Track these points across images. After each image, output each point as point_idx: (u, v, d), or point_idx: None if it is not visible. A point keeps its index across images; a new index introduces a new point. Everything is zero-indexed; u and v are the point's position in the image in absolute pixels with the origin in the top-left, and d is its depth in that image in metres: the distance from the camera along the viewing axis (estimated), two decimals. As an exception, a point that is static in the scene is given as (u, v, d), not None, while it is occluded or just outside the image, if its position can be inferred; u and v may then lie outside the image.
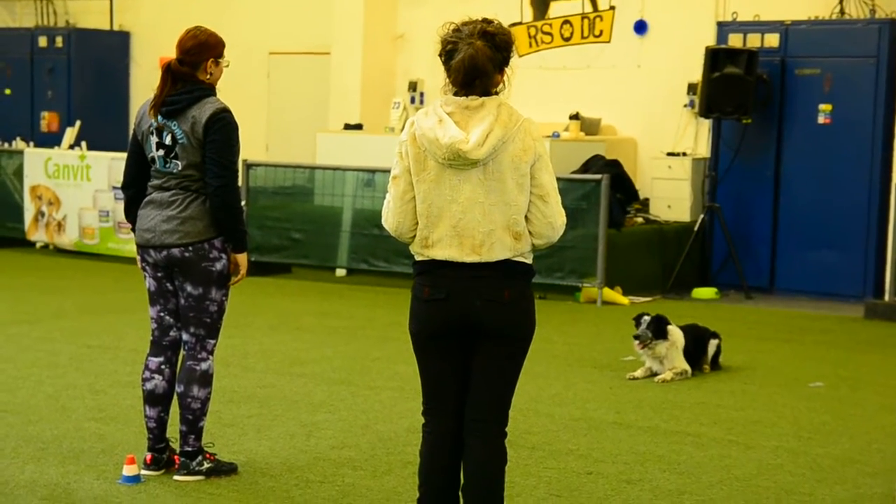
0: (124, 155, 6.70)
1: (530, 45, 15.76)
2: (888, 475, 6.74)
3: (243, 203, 14.08)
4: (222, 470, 6.57)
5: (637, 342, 9.15)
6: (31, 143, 17.41)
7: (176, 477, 6.49)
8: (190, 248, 6.33)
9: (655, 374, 9.21)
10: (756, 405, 8.49)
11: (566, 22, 15.57)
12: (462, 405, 5.06)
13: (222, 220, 6.35)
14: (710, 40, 14.06)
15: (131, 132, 6.61)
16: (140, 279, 6.68)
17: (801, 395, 8.81)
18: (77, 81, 19.08)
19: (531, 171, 4.91)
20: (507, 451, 5.12)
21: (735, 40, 13.86)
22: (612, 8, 15.25)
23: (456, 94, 4.94)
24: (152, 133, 6.37)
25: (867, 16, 13.57)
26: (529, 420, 7.80)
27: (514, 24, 15.64)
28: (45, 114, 19.19)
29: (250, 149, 16.52)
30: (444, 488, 5.11)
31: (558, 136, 14.26)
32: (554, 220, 4.96)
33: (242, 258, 6.48)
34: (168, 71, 6.31)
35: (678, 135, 14.72)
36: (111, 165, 15.06)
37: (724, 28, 14.06)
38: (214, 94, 6.39)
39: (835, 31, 13.51)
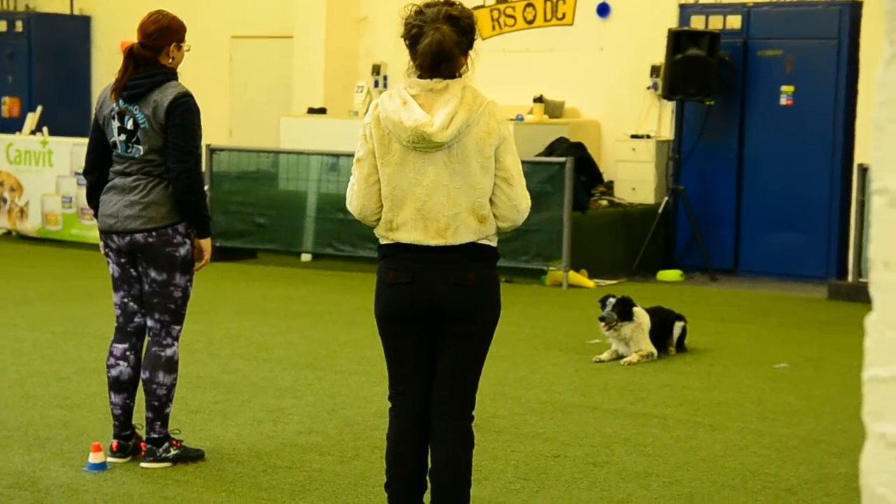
0: (87, 140, 6.67)
1: (493, 28, 15.74)
2: (853, 455, 6.79)
3: (207, 188, 14.06)
4: (189, 456, 6.55)
5: (603, 324, 9.18)
6: (-8, 129, 17.27)
7: (143, 464, 6.48)
8: (153, 234, 6.32)
9: (621, 357, 9.24)
10: (721, 386, 8.53)
11: (529, 5, 15.55)
12: (429, 389, 5.06)
13: (185, 205, 6.34)
14: (673, 22, 14.08)
15: (93, 117, 6.58)
16: (104, 265, 6.65)
17: (766, 376, 8.86)
18: (38, 66, 18.93)
19: (496, 154, 4.92)
20: (475, 434, 5.13)
21: (697, 22, 13.89)
22: (576, -10, 15.24)
23: (420, 76, 4.94)
24: (114, 118, 6.33)
25: (829, -3, 13.63)
26: (496, 403, 7.81)
27: (477, 7, 15.60)
28: (6, 99, 19.03)
29: (213, 133, 16.46)
30: (412, 472, 5.11)
31: (522, 119, 14.26)
32: (518, 203, 4.97)
33: (206, 243, 6.47)
34: (130, 55, 6.28)
35: (642, 117, 14.74)
36: (73, 151, 14.96)
37: (686, 10, 14.08)
38: (176, 79, 6.37)
39: (796, 12, 13.56)
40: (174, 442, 6.55)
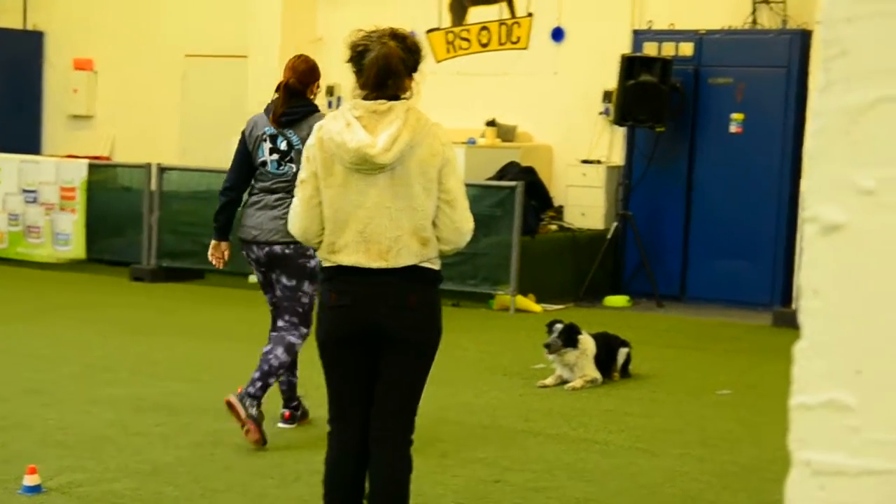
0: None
1: (448, 51, 15.76)
2: (794, 483, 6.79)
3: (155, 208, 13.98)
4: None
5: (547, 350, 9.16)
6: (-60, 145, 17.08)
7: (229, 398, 7.32)
8: (291, 246, 7.25)
9: (566, 382, 9.23)
10: (664, 413, 8.53)
11: (484, 28, 15.59)
12: (368, 413, 5.02)
13: None
14: (626, 48, 14.13)
15: (239, 140, 7.52)
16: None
17: (709, 403, 8.87)
18: (-12, 82, 18.77)
19: (439, 177, 4.90)
20: (414, 459, 5.09)
21: (650, 48, 13.95)
22: (530, 15, 15.30)
23: (365, 97, 4.92)
24: (265, 140, 7.33)
25: (779, 26, 13.72)
26: (439, 428, 7.77)
27: (431, 30, 15.63)
28: (-45, 114, 18.86)
29: (164, 152, 16.38)
30: (349, 497, 5.07)
31: (474, 142, 14.27)
32: (461, 226, 4.94)
33: None
34: (286, 88, 7.35)
35: (593, 142, 14.78)
36: (21, 168, 14.80)
37: (639, 36, 14.14)
38: (319, 111, 7.39)
39: (747, 40, 13.64)
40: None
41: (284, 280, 7.36)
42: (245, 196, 7.56)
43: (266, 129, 7.32)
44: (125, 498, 6.26)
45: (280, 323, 7.43)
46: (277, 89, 7.37)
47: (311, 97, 7.48)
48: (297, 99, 7.35)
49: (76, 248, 14.71)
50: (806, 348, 1.78)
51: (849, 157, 1.60)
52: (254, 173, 7.40)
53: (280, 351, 7.39)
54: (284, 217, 6.80)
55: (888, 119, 1.57)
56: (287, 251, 7.28)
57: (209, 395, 8.50)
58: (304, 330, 7.43)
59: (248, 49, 16.56)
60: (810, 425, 1.76)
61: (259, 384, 7.30)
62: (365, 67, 4.89)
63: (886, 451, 1.61)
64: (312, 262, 7.26)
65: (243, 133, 7.46)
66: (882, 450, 1.62)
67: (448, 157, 4.91)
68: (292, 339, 7.44)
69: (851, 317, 1.68)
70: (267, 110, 7.40)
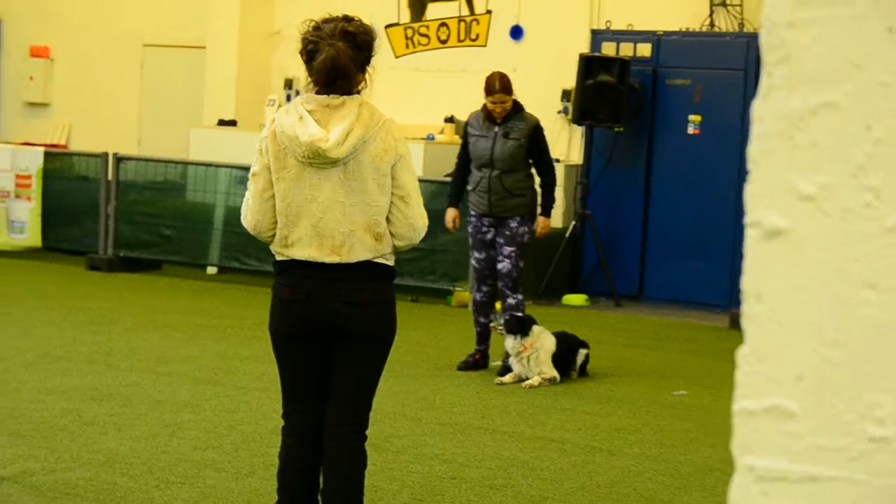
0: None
1: (407, 47, 15.75)
2: (745, 482, 6.83)
3: (112, 197, 13.92)
4: None
5: (494, 320, 9.42)
6: None
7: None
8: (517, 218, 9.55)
9: (524, 380, 9.25)
10: (620, 412, 8.57)
11: (443, 24, 15.58)
12: (322, 407, 5.02)
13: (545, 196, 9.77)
14: (585, 47, 14.16)
15: (462, 135, 9.88)
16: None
17: (665, 403, 8.91)
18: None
19: (392, 172, 4.91)
20: (370, 454, 5.11)
21: (608, 48, 13.99)
22: (489, 12, 15.31)
23: (318, 92, 4.92)
24: (484, 137, 9.46)
25: (736, 29, 13.79)
26: (396, 423, 7.78)
27: (390, 25, 15.62)
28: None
29: (122, 142, 16.28)
30: (303, 491, 5.08)
31: (433, 138, 14.26)
32: (415, 222, 4.95)
33: (541, 220, 9.68)
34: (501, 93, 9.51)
35: (552, 141, 14.66)
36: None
37: (597, 36, 14.17)
38: (524, 110, 9.57)
39: (705, 42, 13.70)
40: None
41: (501, 241, 9.88)
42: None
43: (484, 126, 9.72)
44: (78, 488, 6.24)
45: (499, 283, 9.80)
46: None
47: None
48: (512, 104, 9.71)
49: (32, 236, 14.61)
50: (748, 354, 1.78)
51: (790, 163, 1.61)
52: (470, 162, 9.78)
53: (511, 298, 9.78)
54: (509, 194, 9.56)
55: (829, 125, 1.58)
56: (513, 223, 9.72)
57: (165, 387, 8.48)
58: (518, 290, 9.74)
59: (206, 40, 16.51)
60: (753, 431, 1.76)
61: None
62: (314, 69, 4.90)
63: (827, 458, 1.61)
64: (525, 236, 9.65)
65: (464, 130, 9.86)
66: (823, 456, 1.61)
67: (401, 153, 4.92)
68: (511, 301, 9.73)
69: (793, 322, 1.68)
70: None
